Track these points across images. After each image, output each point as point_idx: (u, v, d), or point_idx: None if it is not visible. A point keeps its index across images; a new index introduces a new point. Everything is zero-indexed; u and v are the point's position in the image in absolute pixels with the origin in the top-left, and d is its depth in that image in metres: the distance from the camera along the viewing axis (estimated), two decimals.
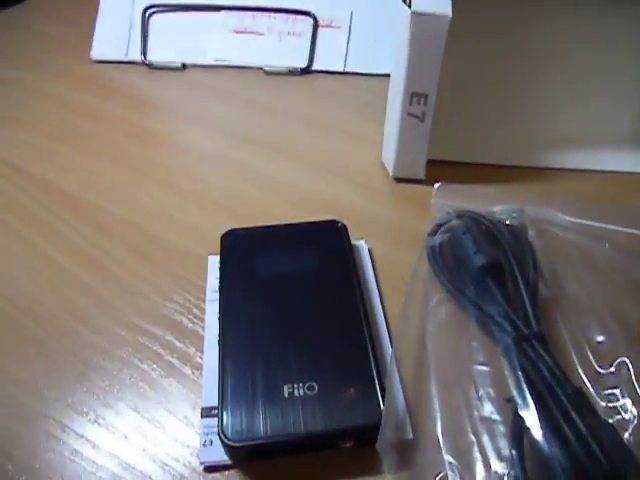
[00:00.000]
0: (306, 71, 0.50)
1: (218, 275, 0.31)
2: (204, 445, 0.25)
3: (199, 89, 0.49)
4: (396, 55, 0.34)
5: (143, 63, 0.51)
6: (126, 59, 0.52)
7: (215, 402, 0.26)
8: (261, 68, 0.50)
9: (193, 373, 0.29)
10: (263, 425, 0.24)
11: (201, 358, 0.29)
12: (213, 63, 0.51)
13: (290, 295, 0.30)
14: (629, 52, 0.37)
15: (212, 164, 0.42)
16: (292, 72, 0.50)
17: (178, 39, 0.51)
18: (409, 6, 0.31)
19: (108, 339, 0.30)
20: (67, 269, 0.34)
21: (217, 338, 0.28)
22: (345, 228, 0.33)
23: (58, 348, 0.30)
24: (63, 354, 0.30)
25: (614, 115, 0.40)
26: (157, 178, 0.41)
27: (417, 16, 0.31)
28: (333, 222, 0.33)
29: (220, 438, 0.24)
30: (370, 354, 0.27)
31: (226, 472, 0.25)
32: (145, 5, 0.51)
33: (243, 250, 0.32)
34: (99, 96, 0.49)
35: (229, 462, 0.25)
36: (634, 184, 0.38)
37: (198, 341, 0.30)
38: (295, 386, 0.25)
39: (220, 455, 0.25)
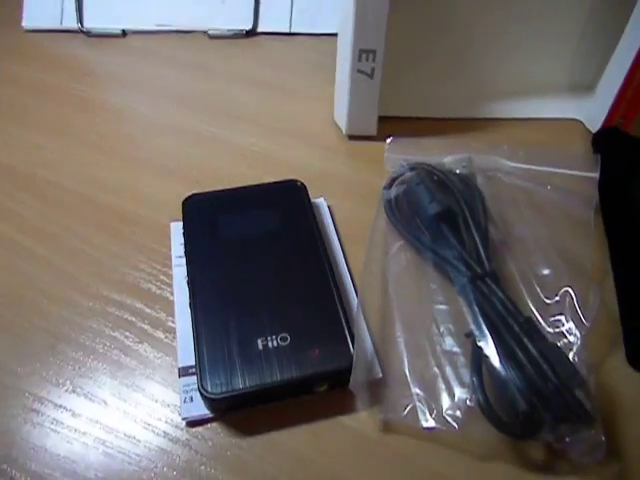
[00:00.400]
0: (251, 33, 0.50)
1: (182, 240, 0.31)
2: (184, 402, 0.26)
3: (142, 56, 0.48)
4: (342, 12, 0.34)
5: (80, 31, 0.49)
6: (61, 27, 0.50)
7: (191, 362, 0.27)
8: (205, 32, 0.50)
9: (166, 337, 0.29)
10: (241, 376, 0.25)
11: (173, 322, 0.30)
12: (154, 28, 0.50)
13: (255, 254, 0.30)
14: None
15: (162, 132, 0.41)
16: (237, 35, 0.50)
17: (116, 4, 0.50)
18: None
19: (76, 312, 0.30)
20: (27, 248, 0.33)
21: (187, 301, 0.29)
22: (304, 187, 0.34)
23: (25, 325, 0.30)
24: (31, 330, 0.30)
25: (551, 64, 0.42)
26: (106, 149, 0.40)
27: None
28: (292, 181, 0.34)
29: (201, 392, 0.25)
30: (337, 303, 0.28)
31: (208, 425, 0.26)
32: None
33: (206, 214, 0.32)
34: (35, 68, 0.47)
35: (210, 415, 0.26)
36: (572, 129, 0.41)
37: (168, 306, 0.30)
38: (268, 338, 0.27)
39: (201, 409, 0.26)
